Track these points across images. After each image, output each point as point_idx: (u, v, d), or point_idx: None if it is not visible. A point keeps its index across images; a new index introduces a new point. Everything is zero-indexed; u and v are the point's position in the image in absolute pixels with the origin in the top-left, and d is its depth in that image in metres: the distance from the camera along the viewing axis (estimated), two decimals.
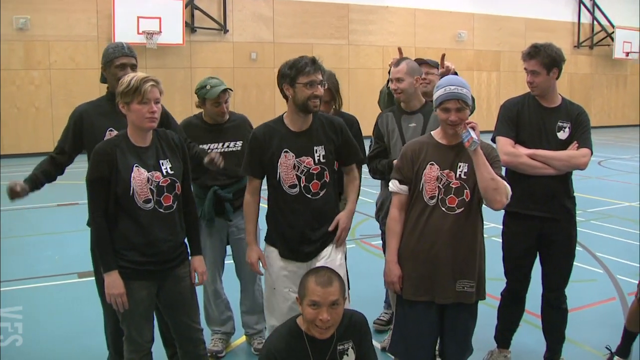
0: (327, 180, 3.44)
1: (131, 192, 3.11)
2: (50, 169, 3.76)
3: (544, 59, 3.75)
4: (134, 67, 3.69)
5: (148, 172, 3.14)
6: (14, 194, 3.50)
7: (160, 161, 3.21)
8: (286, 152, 3.38)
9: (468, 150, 3.14)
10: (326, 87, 3.56)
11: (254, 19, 19.00)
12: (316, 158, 3.39)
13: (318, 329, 2.79)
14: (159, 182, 3.16)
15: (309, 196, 3.41)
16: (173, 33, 17.13)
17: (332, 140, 3.45)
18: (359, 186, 3.71)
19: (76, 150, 3.79)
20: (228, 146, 4.36)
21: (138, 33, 16.53)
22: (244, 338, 4.68)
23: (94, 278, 3.81)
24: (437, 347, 3.48)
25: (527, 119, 3.88)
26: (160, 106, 3.17)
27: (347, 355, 2.93)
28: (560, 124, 3.85)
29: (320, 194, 3.43)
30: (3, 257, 6.88)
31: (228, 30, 18.55)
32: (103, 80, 3.79)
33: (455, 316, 3.30)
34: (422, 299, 3.27)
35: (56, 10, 16.36)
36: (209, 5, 18.32)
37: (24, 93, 15.71)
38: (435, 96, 3.25)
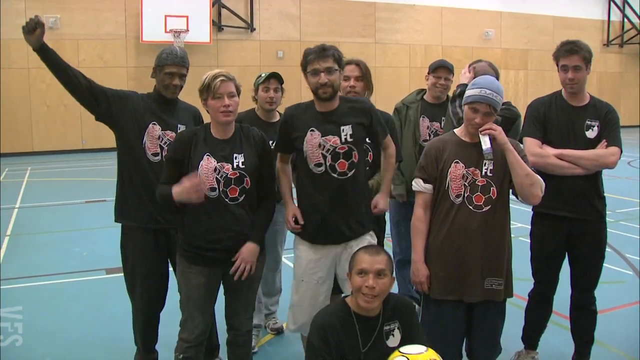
0: (356, 161, 3.42)
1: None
2: (75, 72, 3.61)
3: (586, 54, 3.70)
4: (182, 77, 3.73)
5: (217, 163, 3.26)
6: (32, 23, 3.33)
7: (234, 155, 3.30)
8: (312, 130, 3.40)
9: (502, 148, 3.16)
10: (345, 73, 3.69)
11: (281, 17, 19.07)
12: (343, 137, 3.39)
13: (364, 297, 2.83)
14: (227, 173, 3.26)
15: (335, 175, 3.39)
16: (200, 31, 17.29)
17: (360, 120, 3.45)
18: (394, 164, 3.72)
19: (107, 101, 3.67)
20: None
21: (165, 31, 16.74)
22: (271, 336, 4.72)
23: (121, 274, 3.85)
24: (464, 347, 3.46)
25: (555, 118, 3.83)
26: (236, 100, 3.29)
27: (393, 336, 2.96)
28: (589, 122, 3.79)
29: (349, 175, 3.40)
30: (32, 253, 7.01)
31: (255, 29, 18.65)
32: (153, 76, 3.80)
33: (483, 314, 3.29)
34: (449, 298, 3.26)
35: (85, 9, 16.61)
36: (236, 3, 18.43)
37: (53, 91, 15.89)
38: (467, 92, 3.24)
